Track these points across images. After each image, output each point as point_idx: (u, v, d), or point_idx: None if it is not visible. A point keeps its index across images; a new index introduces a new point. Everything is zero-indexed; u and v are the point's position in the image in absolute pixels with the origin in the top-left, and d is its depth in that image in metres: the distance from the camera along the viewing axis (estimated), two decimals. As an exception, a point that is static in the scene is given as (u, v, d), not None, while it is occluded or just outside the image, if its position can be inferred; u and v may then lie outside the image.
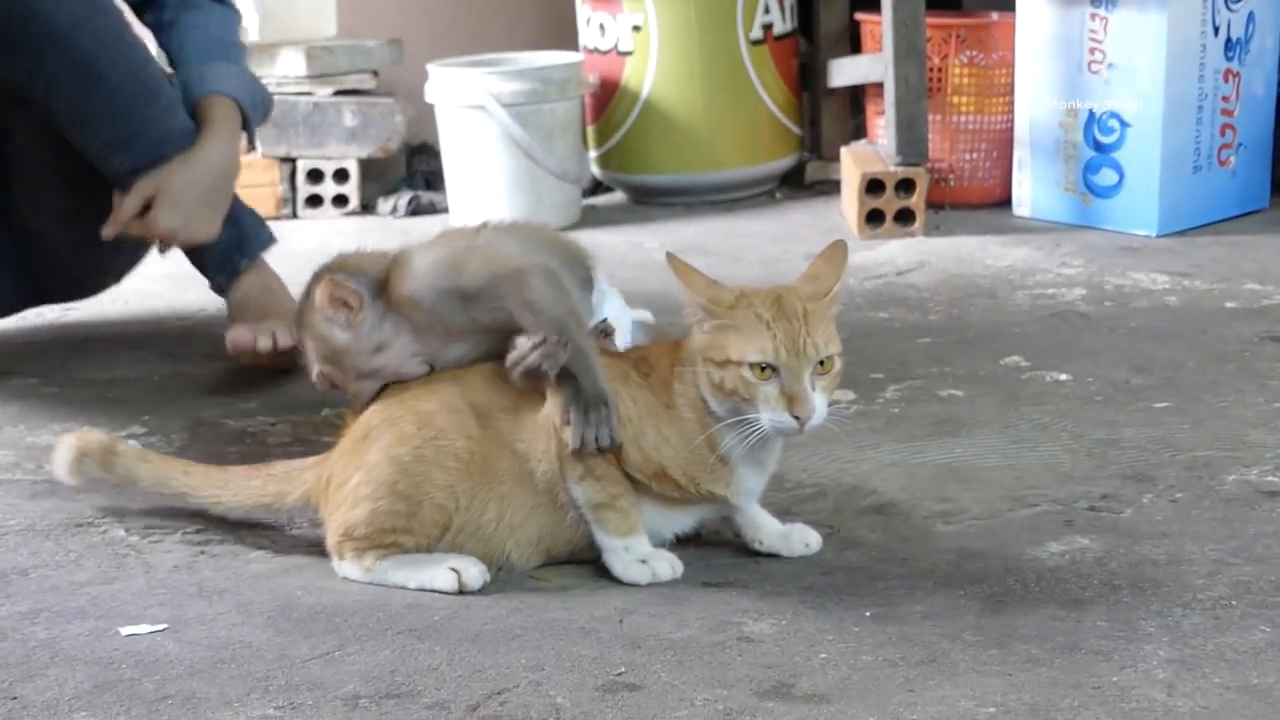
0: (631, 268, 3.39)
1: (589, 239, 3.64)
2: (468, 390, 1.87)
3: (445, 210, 3.92)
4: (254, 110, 2.69)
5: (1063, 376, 2.57)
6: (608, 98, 3.94)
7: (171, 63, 2.72)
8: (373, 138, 3.97)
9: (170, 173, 2.54)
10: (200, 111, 2.62)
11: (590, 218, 3.86)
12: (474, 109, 3.67)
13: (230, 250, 2.73)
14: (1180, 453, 2.21)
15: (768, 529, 1.92)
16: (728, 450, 1.80)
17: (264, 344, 2.61)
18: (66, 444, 2.04)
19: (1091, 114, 3.55)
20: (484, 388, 1.88)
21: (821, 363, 1.77)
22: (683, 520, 1.89)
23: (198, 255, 2.74)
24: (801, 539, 1.91)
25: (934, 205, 3.64)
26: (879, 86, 3.69)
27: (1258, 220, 3.63)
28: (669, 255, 1.83)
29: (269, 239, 2.79)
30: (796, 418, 1.75)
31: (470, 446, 1.83)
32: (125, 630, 1.74)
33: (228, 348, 2.63)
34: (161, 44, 2.74)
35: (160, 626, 1.75)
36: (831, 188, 4.00)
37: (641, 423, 1.81)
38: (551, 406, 1.82)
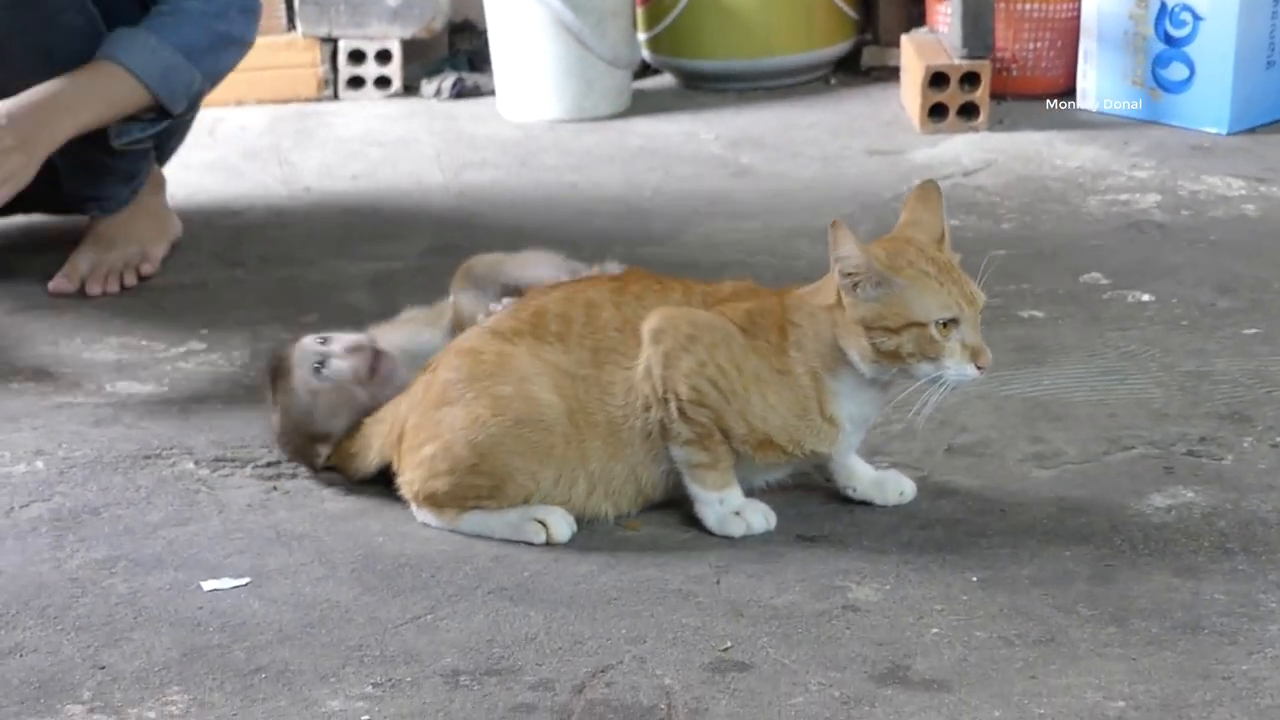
0: (688, 161, 3.31)
1: (642, 127, 3.57)
2: (547, 358, 1.77)
3: (491, 93, 3.81)
4: (162, 89, 2.46)
5: (1145, 297, 2.49)
6: (660, -22, 3.81)
7: None
8: (416, 17, 3.85)
9: None
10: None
11: (640, 104, 3.75)
12: (524, -8, 3.55)
13: (121, 182, 2.61)
14: (1276, 388, 2.15)
15: (861, 476, 1.85)
16: (839, 411, 1.74)
17: (94, 289, 2.55)
18: None
19: (1163, 6, 3.42)
20: (564, 352, 1.78)
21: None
22: (776, 471, 1.83)
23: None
24: (896, 487, 1.85)
25: (996, 96, 3.52)
26: (942, -28, 3.56)
27: (1332, 116, 3.53)
28: (834, 223, 1.72)
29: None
30: (980, 367, 1.71)
31: (550, 437, 1.75)
32: (208, 585, 1.69)
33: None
34: None
35: (243, 580, 1.70)
36: (888, 74, 3.89)
37: (748, 393, 1.74)
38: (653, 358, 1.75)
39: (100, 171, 2.55)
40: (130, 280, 2.58)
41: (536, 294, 1.86)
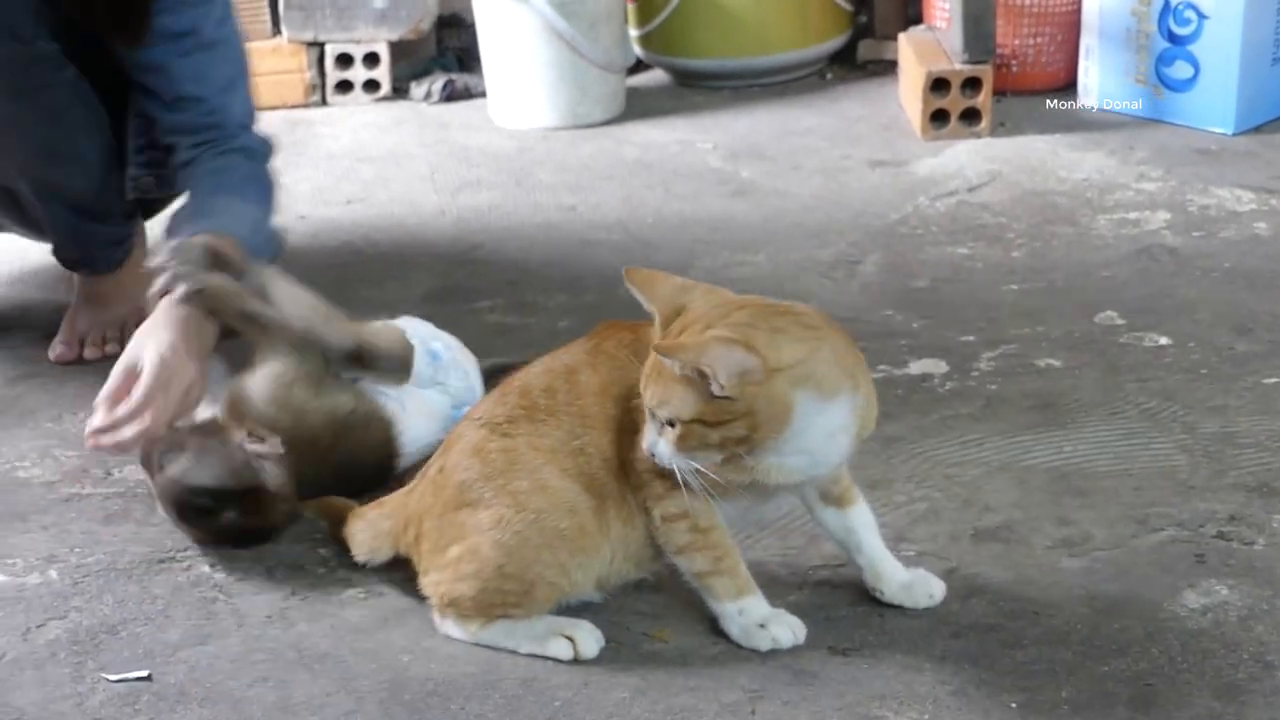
0: (686, 176, 3.26)
1: (637, 135, 3.52)
2: (546, 444, 1.74)
3: (482, 94, 3.75)
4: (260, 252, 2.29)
5: (1163, 340, 2.46)
6: (652, -24, 3.74)
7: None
8: (404, 19, 3.79)
9: None
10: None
11: (635, 106, 3.70)
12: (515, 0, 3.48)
13: (113, 244, 2.54)
14: (1301, 453, 2.12)
15: (889, 579, 1.82)
16: None
17: (92, 354, 2.51)
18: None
19: (1167, 3, 3.38)
20: (558, 427, 1.75)
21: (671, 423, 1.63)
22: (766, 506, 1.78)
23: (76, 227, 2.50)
24: (925, 590, 1.82)
25: (996, 92, 3.47)
26: (940, -30, 3.50)
27: (1336, 112, 3.49)
28: (628, 272, 1.69)
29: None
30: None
31: (576, 519, 1.72)
32: (235, 726, 1.66)
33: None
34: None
35: None
36: (884, 68, 3.84)
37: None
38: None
39: (90, 238, 2.50)
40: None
41: (517, 374, 1.82)
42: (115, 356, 2.33)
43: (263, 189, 2.33)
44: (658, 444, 1.64)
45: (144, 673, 1.73)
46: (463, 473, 1.77)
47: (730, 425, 1.60)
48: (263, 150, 2.38)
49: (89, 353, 2.51)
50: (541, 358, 1.83)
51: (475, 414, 1.82)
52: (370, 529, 1.88)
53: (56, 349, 2.50)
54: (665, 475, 1.69)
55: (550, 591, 1.74)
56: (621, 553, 1.76)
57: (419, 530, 1.81)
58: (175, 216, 2.28)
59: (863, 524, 1.80)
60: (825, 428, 1.64)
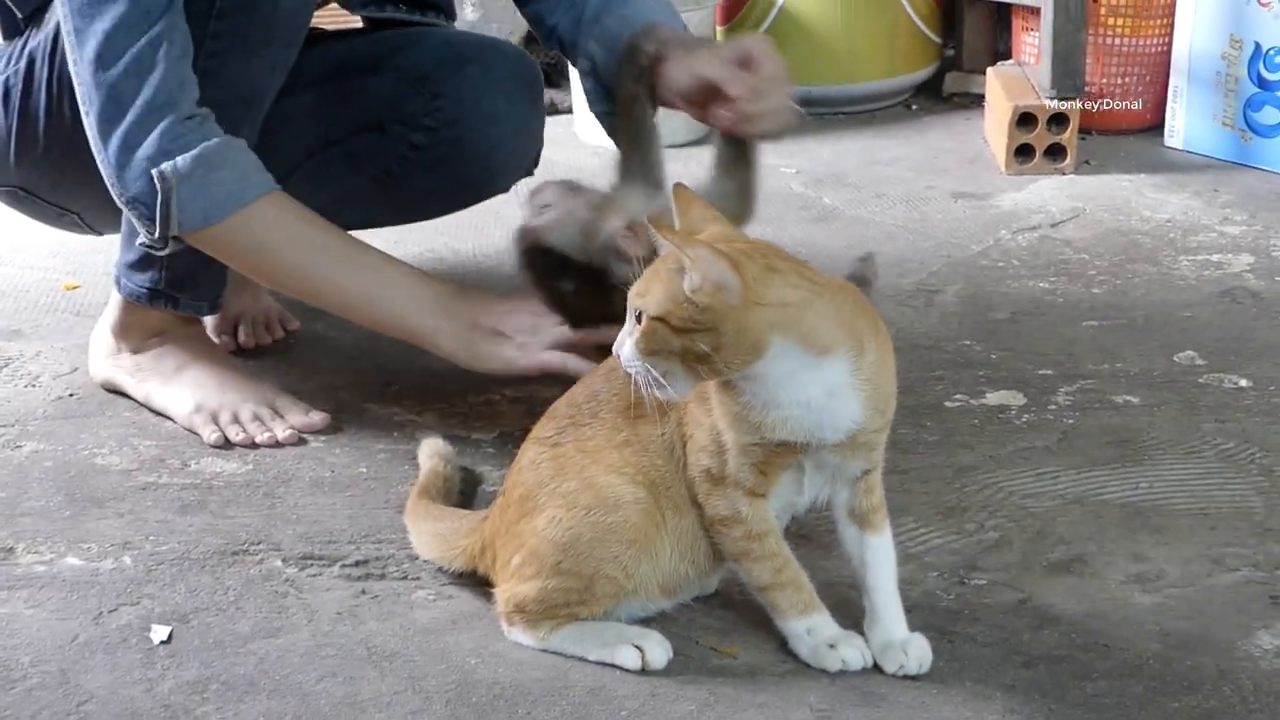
0: (770, 200, 3.22)
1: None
2: (592, 444, 1.76)
3: (569, 110, 3.78)
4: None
5: (1243, 383, 2.44)
6: (741, 2, 3.76)
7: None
8: (494, 32, 3.80)
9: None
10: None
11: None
12: (604, 18, 3.49)
13: None
14: (1381, 500, 2.10)
15: (878, 631, 1.75)
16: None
17: (249, 341, 2.58)
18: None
19: (1258, 48, 3.35)
20: (603, 426, 1.77)
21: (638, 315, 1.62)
22: (794, 478, 1.74)
23: None
24: (897, 660, 1.73)
25: (1081, 131, 3.46)
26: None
27: None
28: (676, 188, 1.69)
29: None
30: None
31: (624, 514, 1.72)
32: (303, 720, 1.67)
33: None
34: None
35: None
36: (971, 101, 3.83)
37: (712, 417, 1.69)
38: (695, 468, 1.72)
39: None
40: (278, 334, 2.60)
41: (565, 393, 1.85)
42: (275, 343, 2.49)
43: None
44: (625, 342, 1.63)
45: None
46: (520, 489, 1.80)
47: (693, 335, 1.58)
48: None
49: (245, 339, 2.55)
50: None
51: (532, 434, 1.84)
52: (446, 537, 1.89)
53: (212, 339, 2.51)
54: (709, 470, 1.70)
55: (611, 587, 1.74)
56: (677, 548, 1.75)
57: (494, 552, 1.83)
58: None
59: (877, 560, 1.75)
60: (820, 383, 1.63)
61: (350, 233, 2.20)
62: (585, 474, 1.74)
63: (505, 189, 2.48)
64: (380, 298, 2.12)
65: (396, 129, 2.35)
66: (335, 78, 2.33)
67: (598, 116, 2.29)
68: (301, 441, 2.26)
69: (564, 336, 2.04)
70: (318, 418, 2.29)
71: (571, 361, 2.00)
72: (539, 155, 2.45)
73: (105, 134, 2.03)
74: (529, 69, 2.41)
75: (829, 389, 1.64)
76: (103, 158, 2.05)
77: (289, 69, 2.20)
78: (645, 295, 1.62)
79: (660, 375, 1.61)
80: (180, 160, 2.00)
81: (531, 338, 2.05)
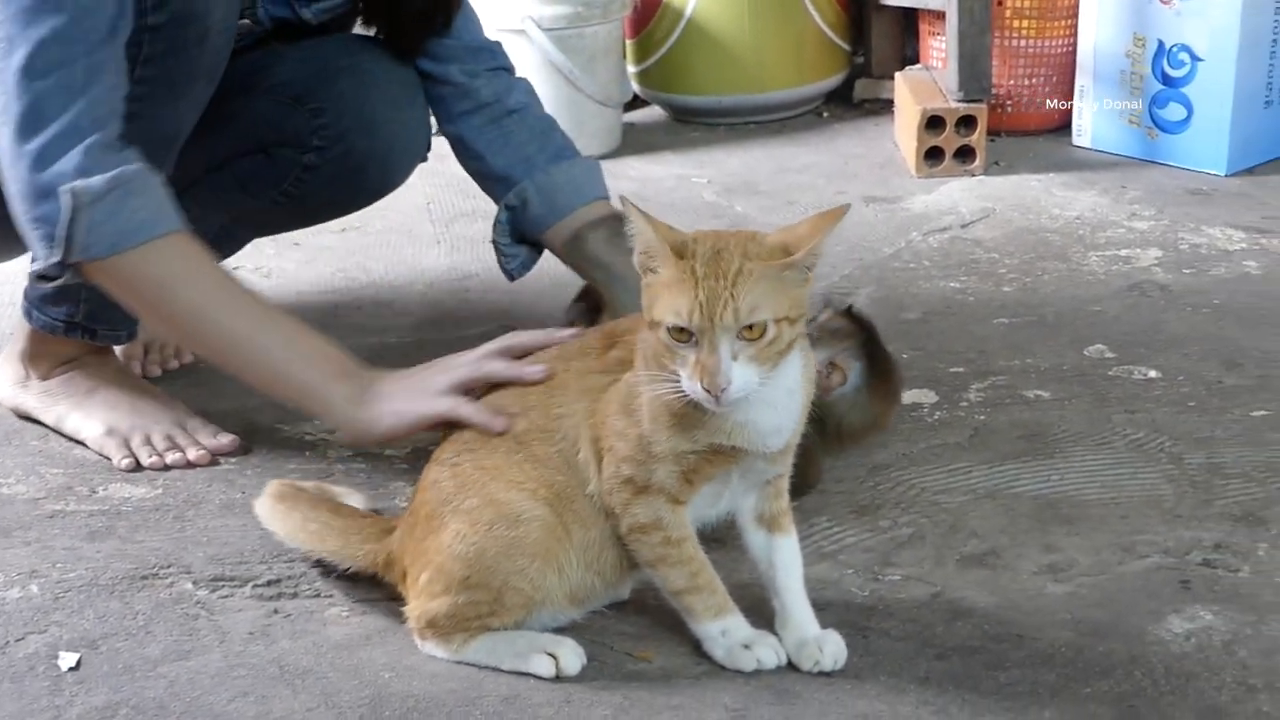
0: (681, 210, 3.26)
1: (633, 169, 3.53)
2: (489, 463, 1.75)
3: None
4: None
5: (1151, 374, 2.46)
6: (649, 13, 3.77)
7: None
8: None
9: None
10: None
11: (631, 141, 3.71)
12: (513, 33, 3.49)
13: None
14: (1288, 484, 2.12)
15: (791, 630, 1.75)
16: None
17: (155, 370, 2.54)
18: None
19: (1161, 46, 3.39)
20: (495, 449, 1.76)
21: (750, 327, 1.57)
22: (720, 489, 1.74)
23: None
24: (812, 657, 1.73)
25: (990, 133, 3.49)
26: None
27: (1327, 154, 3.51)
28: (623, 199, 1.63)
29: None
30: (708, 390, 1.58)
31: (526, 529, 1.72)
32: (211, 738, 1.65)
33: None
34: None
35: (248, 733, 1.66)
36: (881, 107, 3.86)
37: (640, 428, 1.68)
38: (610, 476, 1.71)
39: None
40: (187, 359, 2.57)
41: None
42: (185, 366, 2.43)
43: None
44: (733, 370, 1.57)
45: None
46: (425, 508, 1.79)
47: (796, 325, 1.60)
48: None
49: (152, 369, 2.52)
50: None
51: (434, 458, 1.84)
52: (346, 534, 1.88)
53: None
54: (632, 479, 1.69)
55: (519, 598, 1.73)
56: (583, 560, 1.75)
57: (403, 568, 1.82)
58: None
59: (785, 561, 1.76)
60: (784, 380, 1.64)
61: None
62: (486, 490, 1.74)
63: (404, 180, 2.46)
64: (277, 356, 1.97)
65: (285, 152, 2.33)
66: (215, 100, 2.29)
67: (498, 244, 2.36)
68: (213, 463, 2.24)
69: (462, 373, 1.89)
70: (227, 439, 2.27)
71: (463, 408, 1.83)
72: (430, 140, 2.44)
73: (20, 144, 1.92)
74: (399, 62, 2.36)
75: (788, 388, 1.66)
76: (12, 170, 1.95)
77: (206, 104, 2.18)
78: (759, 306, 1.57)
79: (762, 382, 1.60)
80: (96, 180, 1.90)
81: (425, 386, 1.90)
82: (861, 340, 2.09)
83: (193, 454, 2.23)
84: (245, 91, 2.31)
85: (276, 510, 1.92)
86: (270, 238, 2.92)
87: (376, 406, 1.91)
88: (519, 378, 1.82)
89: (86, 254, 1.94)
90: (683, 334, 1.58)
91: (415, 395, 1.89)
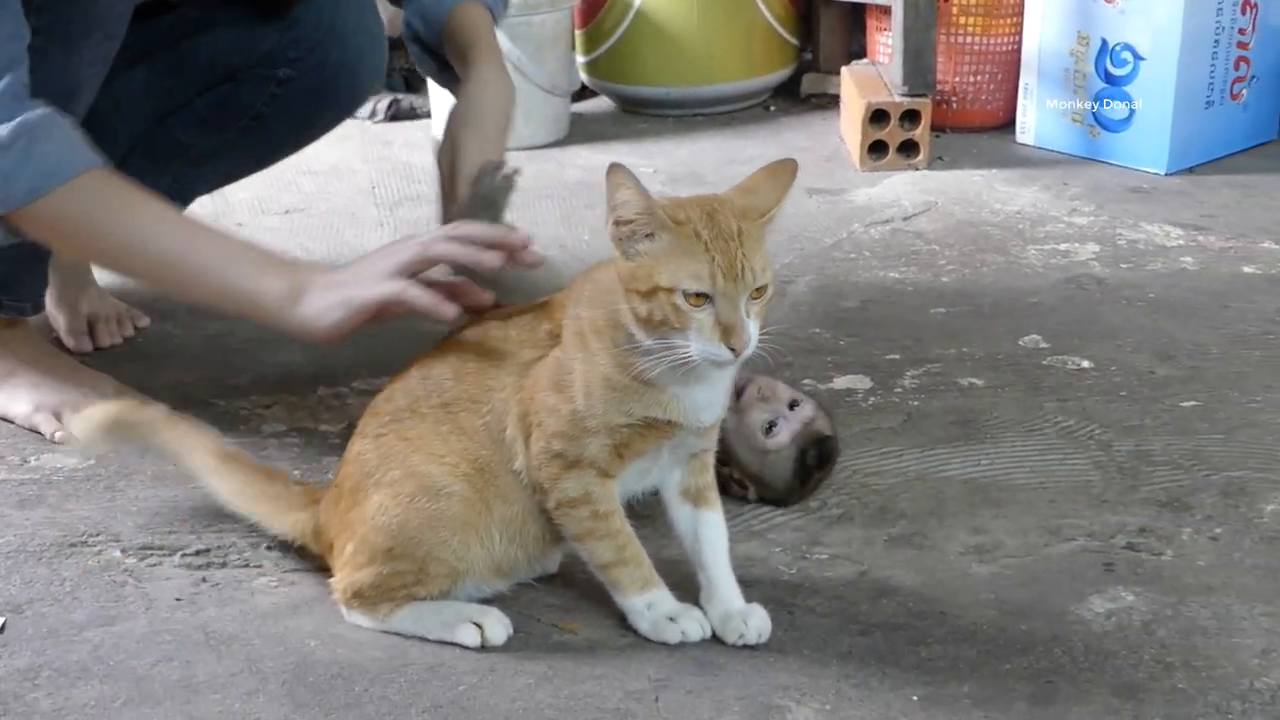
0: (626, 199, 3.26)
1: (580, 158, 3.54)
2: (413, 434, 1.75)
3: (427, 115, 3.77)
4: (498, 11, 2.28)
5: (1084, 364, 2.48)
6: (599, 4, 3.78)
7: None
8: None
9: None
10: (458, 27, 2.19)
11: (579, 130, 3.72)
12: (461, 19, 3.49)
13: None
14: (1214, 472, 2.14)
15: (716, 604, 1.77)
16: (649, 374, 1.64)
17: (108, 339, 2.52)
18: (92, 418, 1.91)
19: (1104, 44, 3.42)
20: (422, 420, 1.76)
21: (760, 286, 1.60)
22: (650, 466, 1.75)
23: None
24: (736, 630, 1.75)
25: (935, 129, 3.52)
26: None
27: (1266, 154, 3.56)
28: (615, 166, 1.59)
29: None
30: (732, 349, 1.59)
31: (447, 503, 1.72)
32: (134, 711, 1.64)
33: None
34: None
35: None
36: (828, 101, 3.88)
37: (573, 403, 1.68)
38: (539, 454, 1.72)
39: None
40: (129, 331, 2.57)
41: (382, 391, 1.84)
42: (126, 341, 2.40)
43: None
44: (750, 328, 1.60)
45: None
46: (350, 480, 1.79)
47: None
48: None
49: (102, 339, 2.51)
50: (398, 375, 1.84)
51: (357, 431, 1.83)
52: (275, 500, 1.88)
53: (69, 340, 2.48)
54: (562, 455, 1.69)
55: (443, 568, 1.74)
56: (506, 533, 1.75)
57: (329, 539, 1.82)
58: None
59: (710, 536, 1.77)
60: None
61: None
62: (408, 463, 1.74)
63: (365, 99, 2.52)
64: (213, 269, 1.91)
65: (257, 71, 2.34)
66: (165, 46, 2.28)
67: (427, 74, 2.34)
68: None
69: (409, 255, 1.82)
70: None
71: (411, 290, 1.78)
72: (385, 60, 2.48)
73: None
74: None
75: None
76: None
77: (111, 60, 2.16)
78: (764, 266, 1.60)
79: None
80: (2, 130, 1.86)
81: (370, 271, 1.83)
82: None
83: None
84: (197, 32, 2.31)
85: (220, 470, 1.91)
86: (214, 216, 2.92)
87: (320, 299, 1.83)
88: (475, 262, 1.79)
89: (5, 205, 1.90)
90: (700, 298, 1.59)
91: (360, 282, 1.82)
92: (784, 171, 1.67)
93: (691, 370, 1.63)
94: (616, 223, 1.61)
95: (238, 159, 2.49)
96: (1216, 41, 3.39)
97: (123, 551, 1.95)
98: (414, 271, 1.80)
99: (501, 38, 3.45)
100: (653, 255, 1.60)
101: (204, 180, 2.55)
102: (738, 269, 1.58)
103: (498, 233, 1.84)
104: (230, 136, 2.38)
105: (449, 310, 1.77)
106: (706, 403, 1.69)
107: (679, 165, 3.49)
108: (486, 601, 1.80)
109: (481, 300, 1.82)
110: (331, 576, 1.82)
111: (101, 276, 2.61)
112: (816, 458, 2.03)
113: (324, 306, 1.83)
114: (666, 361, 1.61)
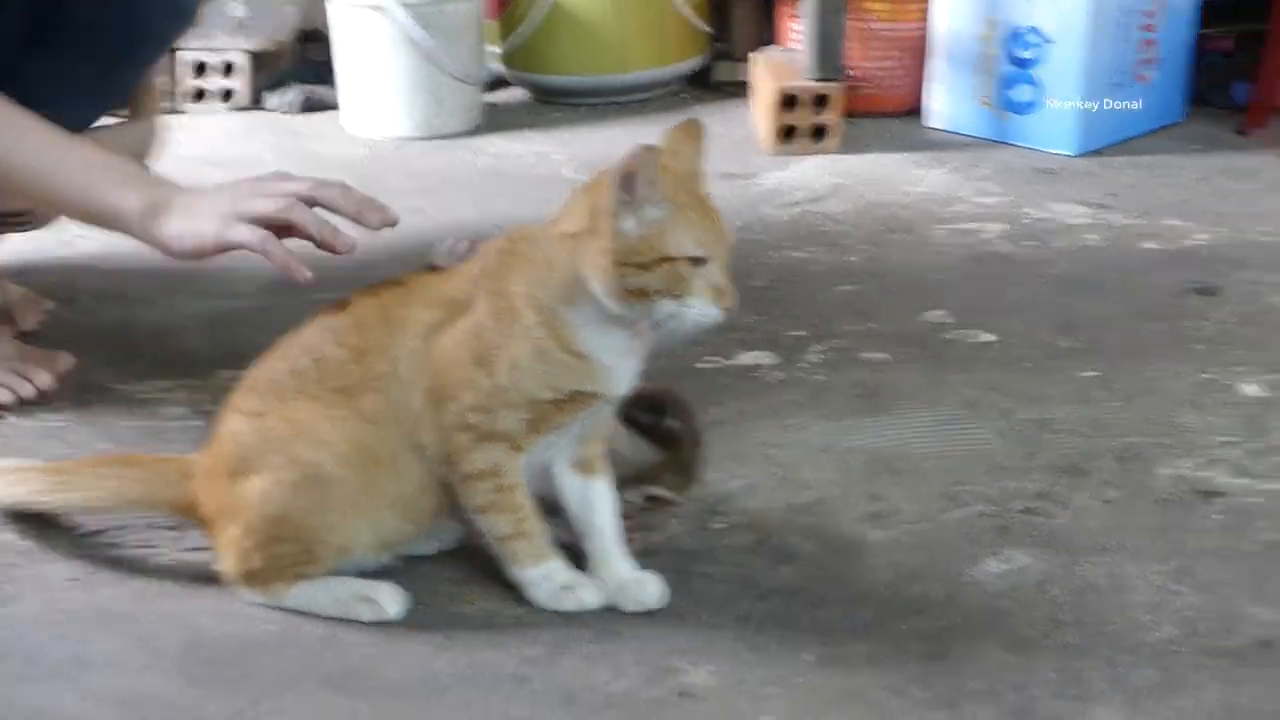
0: (538, 185, 3.28)
1: (493, 146, 3.54)
2: (298, 416, 1.73)
3: (336, 107, 3.76)
4: None
5: (988, 337, 2.50)
6: (511, -7, 3.78)
7: None
8: (262, 30, 3.78)
9: None
10: None
11: (492, 120, 3.72)
12: (370, 8, 3.49)
13: None
14: (1112, 438, 2.16)
15: (610, 573, 1.77)
16: (585, 345, 1.66)
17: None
18: None
19: (1012, 28, 3.45)
20: (310, 400, 1.73)
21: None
22: (563, 439, 1.75)
23: None
24: (636, 597, 1.76)
25: (847, 114, 3.53)
26: (794, -8, 3.56)
27: (1172, 136, 3.59)
28: (648, 148, 1.62)
29: None
30: (727, 309, 1.63)
31: (330, 489, 1.71)
32: (24, 688, 1.63)
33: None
34: None
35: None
36: (740, 89, 3.89)
37: (494, 378, 1.67)
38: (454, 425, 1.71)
39: None
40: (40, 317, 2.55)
41: (260, 368, 1.81)
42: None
43: None
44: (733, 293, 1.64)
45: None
46: (226, 460, 1.76)
47: None
48: None
49: (25, 323, 2.50)
50: (281, 343, 1.81)
51: (232, 405, 1.80)
52: (148, 483, 1.85)
53: None
54: (475, 427, 1.69)
55: (330, 549, 1.73)
56: (395, 509, 1.74)
57: (208, 514, 1.80)
58: None
59: (603, 503, 1.78)
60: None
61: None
62: (292, 449, 1.71)
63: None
64: (78, 182, 1.90)
65: None
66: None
67: None
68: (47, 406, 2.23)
69: (270, 207, 1.82)
70: (62, 358, 2.31)
71: (270, 244, 1.79)
72: None
73: None
74: None
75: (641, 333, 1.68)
76: None
77: None
78: (730, 237, 1.65)
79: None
80: None
81: (229, 209, 1.83)
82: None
83: (42, 381, 2.23)
84: None
85: (59, 485, 1.87)
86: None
87: (178, 223, 1.84)
88: (329, 244, 1.80)
89: None
90: (699, 263, 1.61)
91: (219, 217, 1.82)
92: (696, 131, 1.72)
93: (629, 341, 1.66)
94: (621, 197, 1.60)
95: (78, 82, 2.34)
96: (1123, 24, 3.42)
97: (18, 534, 1.93)
98: (273, 225, 1.81)
99: (413, 26, 3.46)
100: (656, 227, 1.61)
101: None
102: (721, 231, 1.64)
103: (361, 205, 1.84)
104: (62, 54, 2.29)
105: (303, 274, 1.78)
106: (628, 373, 1.71)
107: (593, 152, 3.49)
108: (381, 574, 1.79)
109: (341, 251, 1.81)
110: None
111: None
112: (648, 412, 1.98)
113: (180, 231, 1.85)
114: (656, 330, 1.64)
